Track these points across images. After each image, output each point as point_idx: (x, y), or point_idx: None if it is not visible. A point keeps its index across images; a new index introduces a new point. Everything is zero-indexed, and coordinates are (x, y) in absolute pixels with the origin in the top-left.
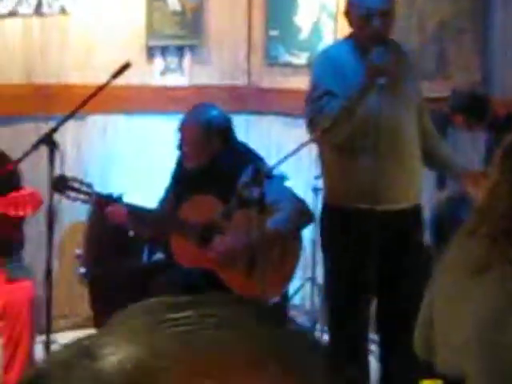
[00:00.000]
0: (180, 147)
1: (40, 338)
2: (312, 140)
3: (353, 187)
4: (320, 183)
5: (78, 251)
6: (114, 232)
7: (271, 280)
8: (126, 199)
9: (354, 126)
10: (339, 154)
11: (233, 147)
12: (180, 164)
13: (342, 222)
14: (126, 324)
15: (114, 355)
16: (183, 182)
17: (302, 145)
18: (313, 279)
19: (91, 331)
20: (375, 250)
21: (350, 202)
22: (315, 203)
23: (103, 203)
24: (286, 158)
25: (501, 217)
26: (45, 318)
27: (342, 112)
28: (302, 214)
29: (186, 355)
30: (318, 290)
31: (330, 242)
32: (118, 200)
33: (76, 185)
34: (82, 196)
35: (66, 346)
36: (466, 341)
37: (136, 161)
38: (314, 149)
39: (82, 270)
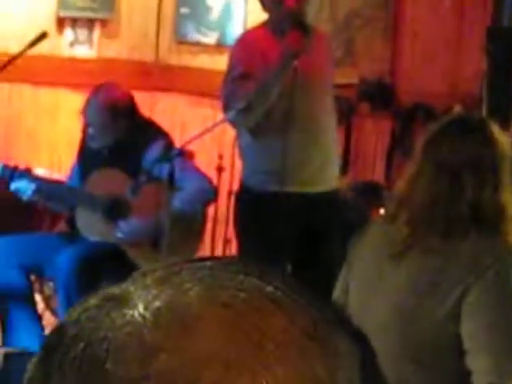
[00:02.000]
0: (84, 128)
1: None
2: (226, 120)
3: (264, 168)
4: (223, 162)
5: None
6: (15, 203)
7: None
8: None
9: (268, 108)
10: (252, 134)
11: (138, 124)
12: (84, 143)
13: (253, 204)
14: (149, 275)
15: (146, 301)
16: (89, 161)
17: (215, 124)
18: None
19: None
20: (286, 235)
21: (260, 184)
22: (218, 182)
23: (9, 179)
24: (200, 135)
25: (420, 206)
26: None
27: (256, 94)
28: (207, 193)
29: (212, 299)
30: None
31: (241, 223)
32: (25, 175)
33: None
34: None
35: (94, 296)
36: (380, 324)
37: (41, 131)
38: (218, 128)
39: None
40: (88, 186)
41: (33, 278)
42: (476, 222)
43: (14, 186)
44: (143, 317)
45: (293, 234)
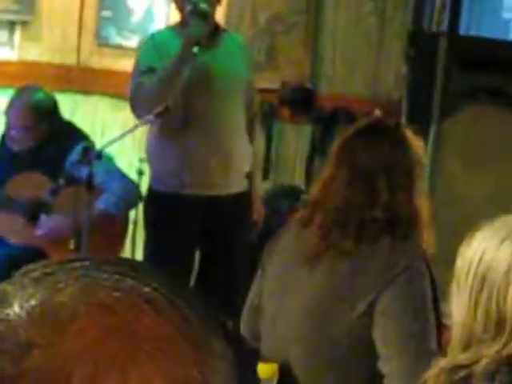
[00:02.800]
0: (5, 130)
1: None
2: (141, 122)
3: (167, 172)
4: (144, 166)
5: None
6: None
7: None
8: None
9: (172, 97)
10: (157, 135)
11: (59, 127)
12: (3, 146)
13: (159, 207)
14: (27, 275)
15: (22, 300)
16: (8, 164)
17: (136, 125)
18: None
19: None
20: (189, 238)
21: (166, 188)
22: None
23: None
24: (120, 137)
25: (334, 209)
26: None
27: (159, 83)
28: (131, 195)
29: (87, 298)
30: None
31: (148, 226)
32: None
33: None
34: None
35: None
36: (292, 328)
37: None
38: (138, 132)
39: None
40: (8, 189)
41: None
42: (390, 227)
43: None
44: (18, 315)
45: (196, 236)
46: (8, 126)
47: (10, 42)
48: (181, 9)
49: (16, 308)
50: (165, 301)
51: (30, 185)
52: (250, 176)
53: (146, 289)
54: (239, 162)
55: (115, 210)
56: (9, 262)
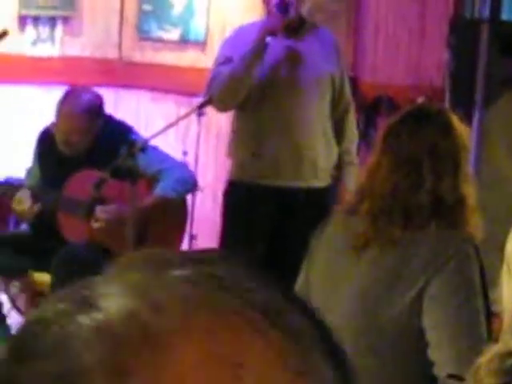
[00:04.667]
0: (58, 137)
1: None
2: (205, 102)
3: (240, 160)
4: (187, 159)
5: None
6: None
7: None
8: None
9: (248, 90)
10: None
11: (106, 123)
12: (50, 149)
13: (242, 198)
14: (126, 275)
15: (114, 307)
16: (58, 168)
17: (179, 118)
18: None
19: None
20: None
21: (252, 178)
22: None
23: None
24: (163, 130)
25: (381, 197)
26: None
27: (233, 71)
28: (187, 181)
29: (185, 314)
30: None
31: (231, 218)
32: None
33: None
34: None
35: (63, 295)
36: (340, 317)
37: (3, 131)
38: (181, 125)
39: None
40: (67, 189)
41: None
42: (436, 213)
43: (15, 200)
44: (110, 325)
45: (268, 227)
46: (61, 133)
47: (52, 38)
48: (266, 2)
49: (108, 314)
50: (273, 325)
51: (88, 183)
52: (339, 170)
53: (253, 310)
54: (314, 156)
55: (173, 194)
56: (71, 260)
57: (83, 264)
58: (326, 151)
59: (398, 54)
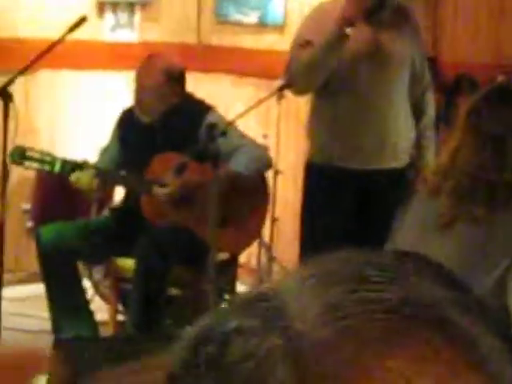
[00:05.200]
0: (136, 101)
1: None
2: (284, 85)
3: (319, 142)
4: (267, 142)
5: (26, 206)
6: (64, 187)
7: (240, 234)
8: (76, 156)
9: (326, 76)
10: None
11: (186, 99)
12: (131, 123)
13: (324, 181)
14: (322, 291)
15: (309, 328)
16: (141, 140)
17: (260, 101)
18: (259, 238)
19: (37, 286)
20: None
21: (331, 160)
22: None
23: (69, 170)
24: (244, 113)
25: (464, 175)
26: None
27: (311, 60)
28: (260, 159)
29: (384, 344)
30: (264, 248)
31: (312, 200)
32: (83, 167)
33: (36, 155)
34: (45, 167)
35: (251, 307)
36: None
37: (84, 117)
38: (262, 108)
39: (30, 224)
40: (149, 172)
41: (81, 263)
42: None
43: (73, 176)
44: (301, 347)
45: (350, 208)
46: (138, 93)
47: (130, 24)
48: None
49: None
50: (473, 364)
51: (168, 166)
52: (417, 148)
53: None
54: (395, 140)
55: (244, 170)
56: (155, 245)
57: (167, 248)
58: (406, 133)
59: (477, 33)
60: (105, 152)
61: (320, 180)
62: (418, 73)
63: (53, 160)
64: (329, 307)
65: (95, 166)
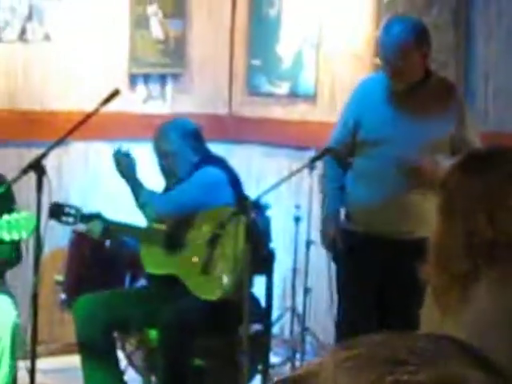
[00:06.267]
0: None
1: (20, 364)
2: (317, 158)
3: (361, 212)
4: (300, 212)
5: (59, 278)
6: (96, 259)
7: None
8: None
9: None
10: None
11: (209, 154)
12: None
13: (352, 248)
14: (359, 360)
15: None
16: None
17: (291, 174)
18: (292, 309)
19: (70, 359)
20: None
21: (358, 227)
22: (296, 232)
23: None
24: (276, 185)
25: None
26: (24, 343)
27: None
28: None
29: None
30: (297, 319)
31: (339, 268)
32: (95, 216)
33: (72, 211)
34: (72, 222)
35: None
36: None
37: (118, 188)
38: (294, 178)
39: (63, 296)
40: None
41: (115, 335)
42: None
43: (87, 226)
44: None
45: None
46: (163, 156)
47: (162, 95)
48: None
49: None
50: None
51: None
52: None
53: None
54: (420, 210)
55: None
56: (178, 316)
57: (191, 319)
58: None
59: (508, 102)
60: None
61: (347, 247)
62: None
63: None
64: None
65: (106, 219)
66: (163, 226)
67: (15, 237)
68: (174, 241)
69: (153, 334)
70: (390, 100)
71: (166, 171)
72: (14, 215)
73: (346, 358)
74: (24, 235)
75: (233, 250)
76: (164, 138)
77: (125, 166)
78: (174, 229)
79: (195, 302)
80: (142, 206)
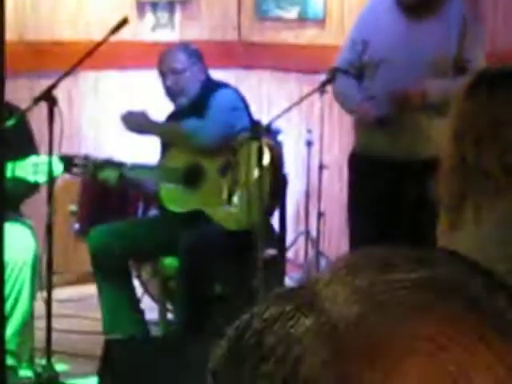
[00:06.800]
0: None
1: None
2: (326, 82)
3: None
4: (311, 136)
5: (73, 207)
6: (109, 189)
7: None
8: (119, 155)
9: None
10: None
11: (210, 81)
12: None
13: (365, 171)
14: (351, 278)
15: (340, 311)
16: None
17: (302, 98)
18: (306, 232)
19: (87, 287)
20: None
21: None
22: (308, 156)
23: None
24: (287, 110)
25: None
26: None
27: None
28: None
29: (410, 322)
30: (311, 243)
31: (353, 190)
32: (108, 164)
33: (79, 161)
34: (85, 172)
35: (286, 295)
36: None
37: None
38: (305, 103)
39: (77, 226)
40: (166, 159)
41: (130, 263)
42: None
43: (100, 175)
44: (335, 328)
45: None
46: (168, 76)
47: (171, 23)
48: None
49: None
50: (502, 336)
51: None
52: None
53: (478, 317)
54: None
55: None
56: (198, 246)
57: (210, 250)
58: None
59: None
60: None
61: (361, 170)
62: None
63: (88, 163)
64: (357, 290)
65: (120, 163)
66: (179, 164)
67: (41, 179)
68: (192, 176)
69: (168, 261)
70: (397, 19)
71: (173, 91)
72: (42, 157)
73: (341, 266)
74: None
75: (250, 178)
76: (172, 56)
77: (138, 121)
78: (190, 164)
79: (215, 228)
80: (186, 140)
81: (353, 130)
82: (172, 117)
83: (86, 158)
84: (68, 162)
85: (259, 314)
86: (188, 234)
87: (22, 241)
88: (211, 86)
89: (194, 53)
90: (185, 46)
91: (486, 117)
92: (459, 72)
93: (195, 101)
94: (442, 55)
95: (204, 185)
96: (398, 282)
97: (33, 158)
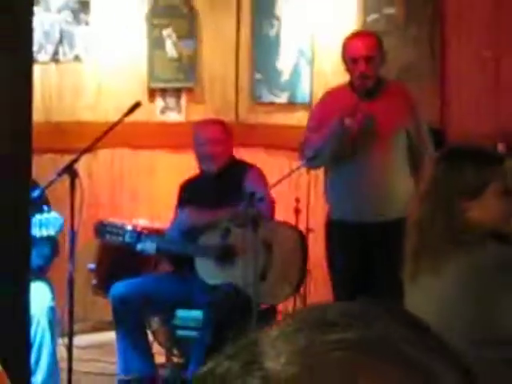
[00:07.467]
0: (199, 155)
1: (58, 341)
2: (300, 167)
3: (333, 201)
4: (299, 205)
5: (91, 265)
6: (122, 249)
7: (278, 286)
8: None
9: (332, 156)
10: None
11: (233, 157)
12: (192, 181)
13: (337, 233)
14: (291, 338)
15: (278, 370)
16: (195, 191)
17: (291, 172)
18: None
19: (101, 334)
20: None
21: (334, 215)
22: (296, 222)
23: (135, 241)
24: (278, 182)
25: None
26: (61, 323)
27: (320, 147)
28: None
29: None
30: (299, 297)
31: (328, 254)
32: (148, 237)
33: (114, 229)
34: (119, 239)
35: (233, 352)
36: None
37: (141, 189)
38: (294, 175)
39: (95, 281)
40: (202, 239)
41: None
42: None
43: (139, 247)
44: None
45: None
46: (203, 144)
47: (178, 107)
48: (349, 71)
49: (271, 365)
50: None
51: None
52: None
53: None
54: (392, 195)
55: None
56: (225, 299)
57: (232, 303)
58: (403, 187)
59: (479, 106)
60: (174, 220)
61: (336, 233)
62: (414, 140)
63: (123, 233)
64: (297, 350)
65: (157, 236)
66: (214, 241)
67: (44, 233)
68: (226, 252)
69: (180, 313)
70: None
71: (210, 158)
72: (45, 215)
73: (290, 323)
74: (52, 232)
75: (282, 258)
76: (213, 127)
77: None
78: (224, 244)
79: (231, 288)
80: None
81: (325, 200)
82: (190, 184)
83: (123, 227)
84: (103, 228)
85: (216, 368)
86: (216, 293)
87: (38, 294)
88: (237, 162)
89: (228, 129)
90: (222, 121)
91: (443, 185)
92: None
93: (222, 172)
94: (399, 131)
95: (237, 259)
96: (332, 344)
97: (37, 215)
